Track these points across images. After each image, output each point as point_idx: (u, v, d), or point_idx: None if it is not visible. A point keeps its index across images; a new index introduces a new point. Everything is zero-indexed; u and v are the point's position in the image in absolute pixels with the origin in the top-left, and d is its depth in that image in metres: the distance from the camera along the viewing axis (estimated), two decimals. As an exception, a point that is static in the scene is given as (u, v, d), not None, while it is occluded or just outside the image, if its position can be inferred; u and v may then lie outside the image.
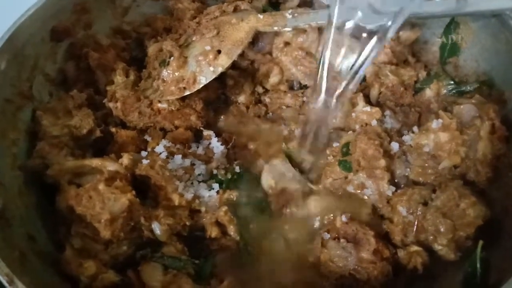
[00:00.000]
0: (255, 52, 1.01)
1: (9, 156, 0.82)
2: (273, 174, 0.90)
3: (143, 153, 0.87)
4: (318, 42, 0.97)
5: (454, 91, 0.96)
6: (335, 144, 0.92)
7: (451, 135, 0.84)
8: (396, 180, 0.88)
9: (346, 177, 0.88)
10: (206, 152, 0.91)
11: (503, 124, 0.85)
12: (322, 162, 0.92)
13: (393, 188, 0.85)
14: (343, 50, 0.74)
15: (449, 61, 1.00)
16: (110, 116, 0.94)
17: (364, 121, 0.94)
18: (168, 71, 0.91)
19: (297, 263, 0.83)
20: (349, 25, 0.70)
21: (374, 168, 0.86)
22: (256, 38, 0.98)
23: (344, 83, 0.77)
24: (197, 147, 0.92)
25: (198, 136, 0.95)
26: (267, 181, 0.89)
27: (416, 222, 0.81)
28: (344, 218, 0.81)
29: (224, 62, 0.91)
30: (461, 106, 0.89)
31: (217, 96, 1.02)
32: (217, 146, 0.91)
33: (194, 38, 0.95)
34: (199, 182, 0.86)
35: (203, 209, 0.83)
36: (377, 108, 0.94)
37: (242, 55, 0.97)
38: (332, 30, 0.71)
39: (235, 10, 0.97)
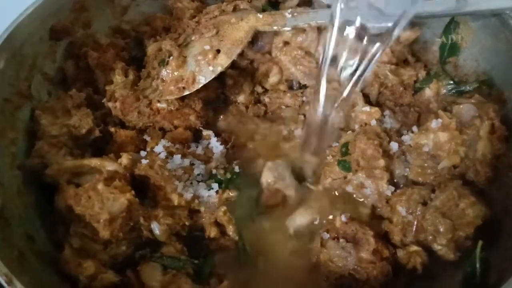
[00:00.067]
0: (254, 51, 1.01)
1: (7, 155, 0.82)
2: (274, 173, 0.90)
3: (142, 153, 0.86)
4: (317, 41, 0.97)
5: (453, 90, 0.96)
6: (334, 144, 0.92)
7: (451, 135, 0.84)
8: (395, 180, 0.88)
9: (345, 177, 0.89)
10: (206, 152, 0.91)
11: (502, 124, 0.85)
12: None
13: (392, 188, 0.85)
14: (343, 59, 0.74)
15: (449, 61, 1.00)
16: (109, 116, 0.94)
17: (364, 121, 0.94)
18: (167, 71, 0.90)
19: (296, 263, 0.83)
20: (351, 29, 0.69)
21: (373, 168, 0.86)
22: (256, 37, 0.97)
23: (345, 92, 0.77)
24: (197, 147, 0.92)
25: (197, 136, 0.94)
26: (267, 177, 0.89)
27: (415, 222, 0.81)
28: (343, 218, 0.81)
29: (223, 61, 0.90)
30: (461, 106, 0.89)
31: (216, 95, 1.01)
32: (216, 146, 0.91)
33: (193, 38, 0.95)
34: (199, 182, 0.86)
35: (202, 209, 0.83)
36: (377, 108, 0.94)
37: (241, 55, 0.97)
38: (334, 32, 0.71)
39: (235, 9, 0.97)
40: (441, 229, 0.78)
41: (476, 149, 0.84)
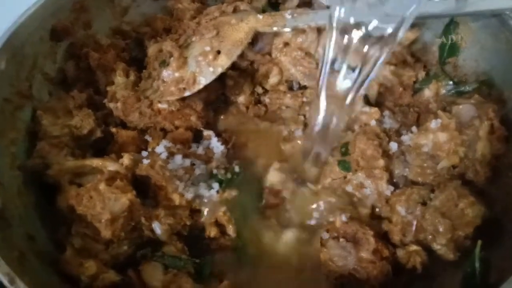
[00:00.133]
0: (254, 52, 1.01)
1: (8, 155, 0.82)
2: (280, 175, 0.90)
3: (144, 153, 0.87)
4: (317, 42, 0.97)
5: (453, 91, 0.96)
6: (334, 144, 0.93)
7: (450, 135, 0.85)
8: (395, 180, 0.88)
9: (345, 177, 0.89)
10: (206, 152, 0.91)
11: (502, 124, 0.85)
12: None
13: (392, 188, 0.86)
14: (345, 63, 0.74)
15: (448, 61, 1.00)
16: (110, 116, 0.94)
17: (363, 121, 0.94)
18: (168, 72, 0.91)
19: (296, 262, 0.83)
20: (352, 31, 0.69)
21: (373, 168, 0.86)
22: (256, 38, 0.97)
23: (348, 98, 0.77)
24: (197, 147, 0.92)
25: (198, 136, 0.95)
26: (273, 177, 0.90)
27: (415, 222, 0.81)
28: (344, 218, 0.81)
29: (223, 62, 0.91)
30: (460, 106, 0.89)
31: (217, 96, 1.01)
32: (217, 146, 0.91)
33: (193, 39, 0.95)
34: (199, 182, 0.86)
35: (203, 208, 0.83)
36: (376, 108, 0.94)
37: (241, 56, 0.96)
38: (334, 35, 0.70)
39: (235, 10, 0.97)
40: (441, 229, 0.78)
41: (475, 149, 0.84)
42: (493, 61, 0.93)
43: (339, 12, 0.68)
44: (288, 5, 1.03)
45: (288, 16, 0.93)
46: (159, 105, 0.91)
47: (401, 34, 0.65)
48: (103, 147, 0.91)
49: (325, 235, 0.81)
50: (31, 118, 0.88)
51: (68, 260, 0.74)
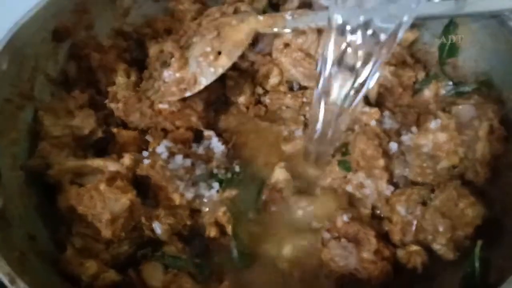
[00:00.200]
0: (255, 53, 1.01)
1: (9, 156, 0.82)
2: (286, 173, 0.90)
3: (144, 153, 0.87)
4: (317, 43, 0.98)
5: (452, 91, 0.96)
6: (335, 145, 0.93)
7: (450, 136, 0.85)
8: (395, 180, 0.88)
9: (345, 177, 0.89)
10: (207, 152, 0.91)
11: (501, 125, 0.86)
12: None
13: (392, 188, 0.86)
14: (345, 65, 0.74)
15: (448, 62, 0.99)
16: (111, 117, 0.94)
17: (363, 122, 0.94)
18: (169, 72, 0.91)
19: (297, 262, 0.83)
20: (351, 32, 0.69)
21: (373, 168, 0.86)
22: (256, 39, 0.98)
23: (348, 99, 0.78)
24: (198, 147, 0.92)
25: (198, 136, 0.95)
26: (279, 174, 0.89)
27: (415, 222, 0.81)
28: (345, 218, 0.81)
29: (224, 63, 0.91)
30: (460, 107, 0.89)
31: (217, 97, 1.02)
32: (217, 146, 0.92)
33: (194, 39, 0.95)
34: (200, 181, 0.87)
35: (203, 208, 0.83)
36: (376, 109, 0.94)
37: (242, 56, 0.97)
38: (333, 36, 0.70)
39: (235, 11, 0.97)
40: (441, 229, 0.78)
41: (475, 149, 0.84)
42: (492, 62, 0.92)
43: (338, 14, 0.68)
44: (288, 6, 1.03)
45: (289, 17, 0.93)
46: (160, 106, 0.91)
47: (400, 34, 0.65)
48: (104, 147, 0.91)
49: (326, 235, 0.81)
50: (32, 119, 0.88)
51: (68, 259, 0.74)
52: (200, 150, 0.91)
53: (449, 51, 0.99)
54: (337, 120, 0.83)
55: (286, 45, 0.99)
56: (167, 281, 0.75)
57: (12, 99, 0.85)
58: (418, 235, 0.81)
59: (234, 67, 0.98)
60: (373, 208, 0.86)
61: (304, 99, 1.01)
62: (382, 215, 0.86)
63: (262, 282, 0.82)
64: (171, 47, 0.91)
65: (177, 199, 0.81)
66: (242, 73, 1.03)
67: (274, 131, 0.99)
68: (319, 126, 0.85)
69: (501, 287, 0.66)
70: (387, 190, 0.85)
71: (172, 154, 0.87)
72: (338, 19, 0.68)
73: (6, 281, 0.64)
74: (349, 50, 0.73)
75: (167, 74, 0.91)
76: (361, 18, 0.67)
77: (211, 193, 0.85)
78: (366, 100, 0.97)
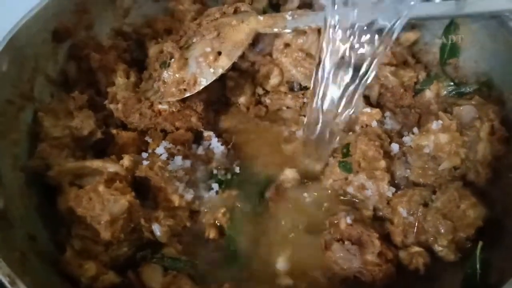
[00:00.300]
0: (255, 53, 1.01)
1: (10, 156, 0.82)
2: (295, 173, 0.90)
3: (144, 155, 0.87)
4: (318, 43, 0.97)
5: (454, 92, 0.96)
6: (335, 145, 0.92)
7: (451, 136, 0.84)
8: (396, 181, 0.88)
9: (346, 178, 0.89)
10: (207, 152, 0.91)
11: (502, 125, 0.86)
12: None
13: (393, 189, 0.86)
14: (343, 62, 0.74)
15: (449, 62, 0.99)
16: (111, 118, 0.94)
17: (364, 122, 0.94)
18: (169, 73, 0.91)
19: (298, 264, 0.83)
20: (348, 30, 0.69)
21: (374, 169, 0.86)
22: (256, 39, 0.97)
23: (345, 97, 0.77)
24: (197, 148, 0.92)
25: (198, 137, 0.95)
26: (288, 175, 0.90)
27: (416, 223, 0.81)
28: (348, 220, 0.81)
29: (224, 63, 0.91)
30: (461, 107, 0.89)
31: (217, 97, 1.02)
32: (217, 146, 0.92)
33: (194, 40, 0.95)
34: (199, 182, 0.87)
35: (202, 209, 0.83)
36: (377, 109, 0.94)
37: (242, 57, 0.97)
38: (330, 35, 0.70)
39: (235, 11, 0.97)
40: (442, 230, 0.78)
41: (476, 150, 0.84)
42: (492, 62, 0.93)
43: (335, 13, 0.68)
44: (288, 6, 1.03)
45: (289, 17, 0.93)
46: (160, 106, 0.91)
47: (396, 32, 0.65)
48: (104, 148, 0.91)
49: (330, 238, 0.81)
50: (32, 120, 0.88)
51: (68, 261, 0.74)
52: (200, 151, 0.91)
53: (450, 51, 0.98)
54: (335, 120, 0.83)
55: (287, 45, 0.98)
56: (167, 283, 0.75)
57: (13, 100, 0.85)
58: (419, 236, 0.81)
59: (234, 67, 0.98)
60: (375, 209, 0.86)
61: (305, 100, 1.01)
62: (383, 217, 0.86)
63: (262, 284, 0.81)
64: (171, 48, 0.91)
65: (176, 200, 0.81)
66: (242, 74, 1.02)
67: (274, 131, 0.99)
68: (317, 125, 0.86)
69: (502, 288, 0.66)
70: (389, 191, 0.85)
71: (171, 155, 0.86)
72: (334, 19, 0.68)
73: (6, 282, 0.64)
74: (347, 50, 0.73)
75: (166, 74, 0.91)
76: (363, 18, 0.67)
77: (211, 194, 0.85)
78: (367, 101, 0.97)
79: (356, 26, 0.68)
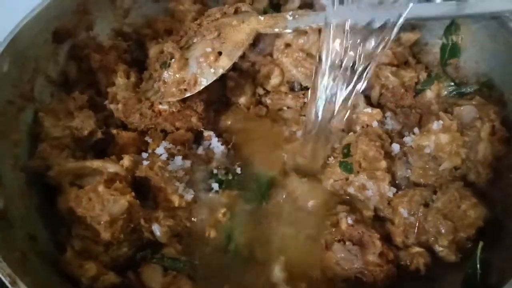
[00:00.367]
0: (256, 53, 1.01)
1: (10, 157, 0.82)
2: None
3: (144, 155, 0.87)
4: (319, 43, 0.97)
5: (454, 92, 0.96)
6: (336, 145, 0.92)
7: (452, 137, 0.84)
8: (397, 182, 0.88)
9: (347, 179, 0.89)
10: (207, 152, 0.91)
11: (503, 126, 0.86)
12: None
13: (394, 190, 0.86)
14: (344, 60, 0.74)
15: (450, 63, 0.99)
16: (111, 118, 0.94)
17: (365, 122, 0.94)
18: (169, 73, 0.91)
19: (299, 265, 0.82)
20: (350, 28, 0.69)
21: (375, 170, 0.86)
22: (257, 39, 0.97)
23: (345, 93, 0.77)
24: (198, 148, 0.92)
25: (198, 137, 0.95)
26: (294, 182, 0.90)
27: (417, 224, 0.81)
28: (349, 221, 0.81)
29: (225, 63, 0.91)
30: (462, 108, 0.89)
31: (218, 97, 1.02)
32: (217, 146, 0.92)
33: (195, 40, 0.95)
34: (199, 182, 0.87)
35: (202, 210, 0.83)
36: (378, 109, 0.94)
37: (243, 57, 0.97)
38: (331, 33, 0.70)
39: (236, 12, 0.97)
40: (443, 231, 0.78)
41: (477, 150, 0.84)
42: (492, 63, 0.93)
43: (335, 13, 0.68)
44: (289, 7, 1.03)
45: (290, 18, 0.93)
46: (160, 106, 0.91)
47: (394, 32, 0.65)
48: (104, 148, 0.91)
49: (330, 238, 0.81)
50: (32, 120, 0.88)
51: (68, 261, 0.74)
52: (200, 150, 0.91)
53: (451, 51, 0.98)
54: (333, 119, 0.84)
55: (287, 45, 0.98)
56: (167, 283, 0.75)
57: (14, 100, 0.85)
58: (420, 236, 0.81)
59: (235, 67, 0.98)
60: (375, 210, 0.86)
61: (305, 100, 1.01)
62: (384, 217, 0.86)
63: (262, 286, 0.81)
64: (171, 48, 0.91)
65: (176, 200, 0.81)
66: (243, 74, 1.02)
67: (275, 131, 0.99)
68: (316, 125, 0.86)
69: (502, 288, 0.66)
70: (389, 191, 0.85)
71: (171, 155, 0.86)
72: (334, 19, 0.68)
73: (7, 282, 0.64)
74: (346, 49, 0.73)
75: (167, 74, 0.91)
76: (362, 18, 0.67)
77: (211, 194, 0.85)
78: (368, 101, 0.97)
79: (355, 26, 0.68)
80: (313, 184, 0.91)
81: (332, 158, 0.92)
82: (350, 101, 0.81)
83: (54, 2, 0.91)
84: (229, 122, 1.00)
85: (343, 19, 0.67)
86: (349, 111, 0.84)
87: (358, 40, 0.69)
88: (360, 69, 0.72)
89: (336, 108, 0.83)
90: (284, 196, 0.89)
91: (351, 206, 0.87)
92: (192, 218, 0.84)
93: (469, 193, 0.81)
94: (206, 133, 0.93)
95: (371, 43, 0.68)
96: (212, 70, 0.90)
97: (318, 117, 0.85)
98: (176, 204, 0.81)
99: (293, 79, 1.02)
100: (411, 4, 0.61)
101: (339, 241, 0.80)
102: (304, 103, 1.01)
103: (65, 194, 0.79)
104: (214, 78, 0.90)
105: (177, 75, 0.91)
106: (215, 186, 0.87)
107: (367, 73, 0.73)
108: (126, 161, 0.82)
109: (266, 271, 0.81)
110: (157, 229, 0.78)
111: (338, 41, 0.71)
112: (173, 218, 0.80)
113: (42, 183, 0.84)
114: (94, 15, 1.00)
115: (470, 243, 0.79)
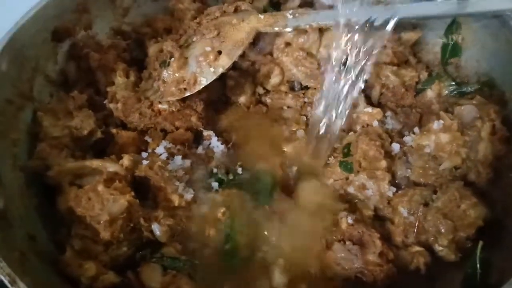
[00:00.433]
0: (255, 52, 1.00)
1: (10, 156, 0.82)
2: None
3: (144, 154, 0.87)
4: (319, 42, 0.97)
5: (455, 92, 0.96)
6: (336, 145, 0.92)
7: (452, 136, 0.84)
8: (397, 181, 0.88)
9: (347, 178, 0.89)
10: (207, 152, 0.91)
11: (503, 125, 0.85)
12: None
13: (394, 189, 0.86)
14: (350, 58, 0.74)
15: (451, 62, 0.99)
16: (110, 117, 0.94)
17: (365, 122, 0.94)
18: (169, 72, 0.91)
19: (299, 265, 0.82)
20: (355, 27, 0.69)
21: (375, 169, 0.86)
22: (257, 38, 0.97)
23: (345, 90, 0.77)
24: (197, 148, 0.92)
25: (198, 136, 0.95)
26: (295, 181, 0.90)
27: (417, 223, 0.81)
28: (349, 220, 0.81)
29: (224, 62, 0.90)
30: (462, 107, 0.89)
31: (218, 97, 1.02)
32: (217, 145, 0.91)
33: (194, 39, 0.95)
34: (199, 182, 0.87)
35: (202, 209, 0.83)
36: (378, 109, 0.94)
37: (242, 56, 0.96)
38: (342, 32, 0.70)
39: (236, 10, 0.97)
40: (443, 230, 0.78)
41: (477, 150, 0.84)
42: (494, 62, 0.92)
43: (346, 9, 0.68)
44: (289, 5, 1.03)
45: (290, 16, 0.93)
46: (160, 106, 0.91)
47: (389, 30, 0.64)
48: (103, 148, 0.91)
49: (330, 238, 0.81)
50: (32, 119, 0.88)
51: (68, 261, 0.74)
52: (200, 150, 0.91)
53: (452, 51, 0.98)
54: (336, 119, 0.84)
55: (287, 44, 0.98)
56: (166, 283, 0.75)
57: (13, 99, 0.85)
58: (420, 236, 0.81)
59: (235, 66, 0.98)
60: (375, 209, 0.86)
61: (306, 99, 1.01)
62: (384, 217, 0.86)
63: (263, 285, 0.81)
64: (170, 47, 0.91)
65: (176, 200, 0.80)
66: (243, 73, 1.02)
67: (275, 131, 0.99)
68: (321, 124, 0.86)
69: (502, 288, 0.66)
70: (389, 191, 0.85)
71: (171, 155, 0.86)
72: (344, 17, 0.68)
73: (6, 282, 0.64)
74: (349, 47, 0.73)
75: (166, 74, 0.91)
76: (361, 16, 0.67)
77: (211, 193, 0.85)
78: (368, 101, 0.97)
79: (358, 24, 0.69)
80: (314, 184, 0.91)
81: (332, 157, 0.92)
82: (349, 100, 0.81)
83: (54, 1, 0.91)
84: (229, 122, 1.00)
85: (352, 17, 0.67)
86: (348, 110, 0.84)
87: (358, 39, 0.69)
88: (359, 67, 0.72)
89: (340, 107, 0.83)
90: (284, 196, 0.89)
91: (351, 206, 0.87)
92: (192, 218, 0.83)
93: (469, 193, 0.81)
94: (206, 133, 0.93)
95: (370, 41, 0.68)
96: (212, 69, 0.90)
97: (326, 116, 0.85)
98: (176, 204, 0.81)
99: (293, 78, 1.01)
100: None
101: (339, 240, 0.80)
102: (304, 102, 1.01)
103: (65, 194, 0.79)
104: (214, 77, 0.90)
105: (177, 74, 0.90)
106: (215, 185, 0.87)
107: (364, 70, 0.73)
108: (126, 160, 0.82)
109: (266, 272, 0.80)
110: (156, 229, 0.78)
111: (344, 39, 0.71)
112: (173, 217, 0.80)
113: (41, 183, 0.84)
114: (93, 14, 0.99)
115: (470, 243, 0.79)
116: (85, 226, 0.76)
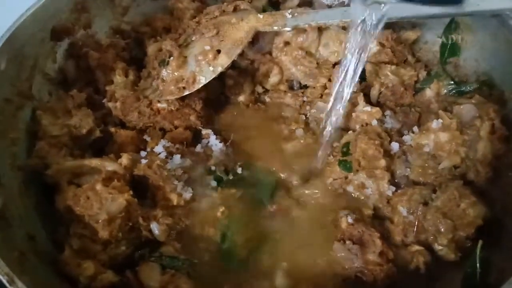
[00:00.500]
0: (254, 51, 1.01)
1: (9, 155, 0.82)
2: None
3: (142, 153, 0.87)
4: (318, 41, 0.98)
5: (454, 91, 0.96)
6: (335, 144, 0.92)
7: (451, 135, 0.85)
8: (396, 180, 0.88)
9: (346, 177, 0.89)
10: (205, 150, 0.91)
11: (503, 124, 0.85)
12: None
13: (393, 188, 0.86)
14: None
15: (450, 61, 1.00)
16: (109, 116, 0.94)
17: (365, 121, 0.94)
18: (168, 71, 0.91)
19: (300, 265, 0.82)
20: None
21: (374, 168, 0.86)
22: (256, 37, 0.97)
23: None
24: (196, 146, 0.92)
25: (196, 135, 0.95)
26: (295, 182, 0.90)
27: (416, 222, 0.81)
28: (349, 220, 0.81)
29: (223, 61, 0.90)
30: (461, 106, 0.89)
31: (217, 96, 1.02)
32: (215, 144, 0.91)
33: (193, 38, 0.95)
34: (198, 181, 0.86)
35: (201, 208, 0.83)
36: (378, 108, 0.94)
37: (241, 55, 0.97)
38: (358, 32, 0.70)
39: (235, 9, 0.97)
40: (442, 229, 0.78)
41: (476, 149, 0.84)
42: (493, 61, 0.93)
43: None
44: (288, 4, 1.03)
45: (289, 16, 0.93)
46: (158, 105, 0.91)
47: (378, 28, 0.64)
48: (102, 147, 0.91)
49: (331, 237, 0.81)
50: (31, 118, 0.88)
51: (66, 260, 0.74)
52: (198, 148, 0.91)
53: (451, 50, 0.99)
54: (337, 118, 0.84)
55: (286, 43, 0.99)
56: (165, 282, 0.74)
57: (11, 98, 0.85)
58: (419, 235, 0.81)
59: (234, 65, 0.98)
60: (375, 208, 0.86)
61: (305, 98, 1.01)
62: (383, 216, 0.86)
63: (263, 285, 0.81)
64: (169, 46, 0.91)
65: (174, 199, 0.80)
66: (242, 72, 1.02)
67: (274, 130, 0.98)
68: (324, 123, 0.87)
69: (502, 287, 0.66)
70: (389, 190, 0.85)
71: (170, 154, 0.86)
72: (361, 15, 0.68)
73: (5, 281, 0.64)
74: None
75: (165, 72, 0.91)
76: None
77: (210, 192, 0.85)
78: (367, 100, 0.97)
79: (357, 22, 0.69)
80: (314, 183, 0.90)
81: (331, 156, 0.92)
82: (345, 99, 0.82)
83: (52, 0, 0.91)
84: (228, 120, 1.00)
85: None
86: (346, 110, 0.85)
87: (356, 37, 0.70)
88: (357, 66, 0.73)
89: (343, 107, 0.83)
90: (284, 196, 0.89)
91: (351, 205, 0.87)
92: (191, 217, 0.83)
93: (469, 192, 0.81)
94: (205, 131, 0.93)
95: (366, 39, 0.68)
96: (211, 68, 0.90)
97: (329, 116, 0.86)
98: (175, 203, 0.81)
99: (292, 77, 1.02)
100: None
101: (339, 240, 0.80)
102: (303, 101, 1.01)
103: (63, 193, 0.79)
104: (213, 76, 0.90)
105: (176, 73, 0.90)
106: (214, 184, 0.86)
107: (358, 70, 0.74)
108: (125, 159, 0.82)
109: (266, 272, 0.80)
110: (155, 228, 0.78)
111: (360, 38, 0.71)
112: (171, 216, 0.80)
113: (40, 182, 0.84)
114: (92, 13, 0.99)
115: (469, 242, 0.79)
116: (84, 225, 0.75)
